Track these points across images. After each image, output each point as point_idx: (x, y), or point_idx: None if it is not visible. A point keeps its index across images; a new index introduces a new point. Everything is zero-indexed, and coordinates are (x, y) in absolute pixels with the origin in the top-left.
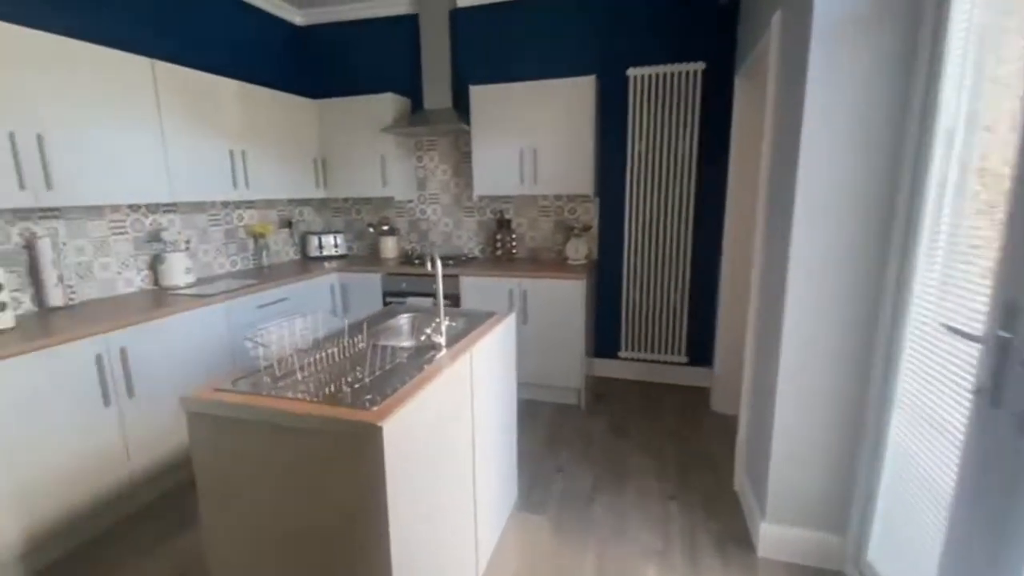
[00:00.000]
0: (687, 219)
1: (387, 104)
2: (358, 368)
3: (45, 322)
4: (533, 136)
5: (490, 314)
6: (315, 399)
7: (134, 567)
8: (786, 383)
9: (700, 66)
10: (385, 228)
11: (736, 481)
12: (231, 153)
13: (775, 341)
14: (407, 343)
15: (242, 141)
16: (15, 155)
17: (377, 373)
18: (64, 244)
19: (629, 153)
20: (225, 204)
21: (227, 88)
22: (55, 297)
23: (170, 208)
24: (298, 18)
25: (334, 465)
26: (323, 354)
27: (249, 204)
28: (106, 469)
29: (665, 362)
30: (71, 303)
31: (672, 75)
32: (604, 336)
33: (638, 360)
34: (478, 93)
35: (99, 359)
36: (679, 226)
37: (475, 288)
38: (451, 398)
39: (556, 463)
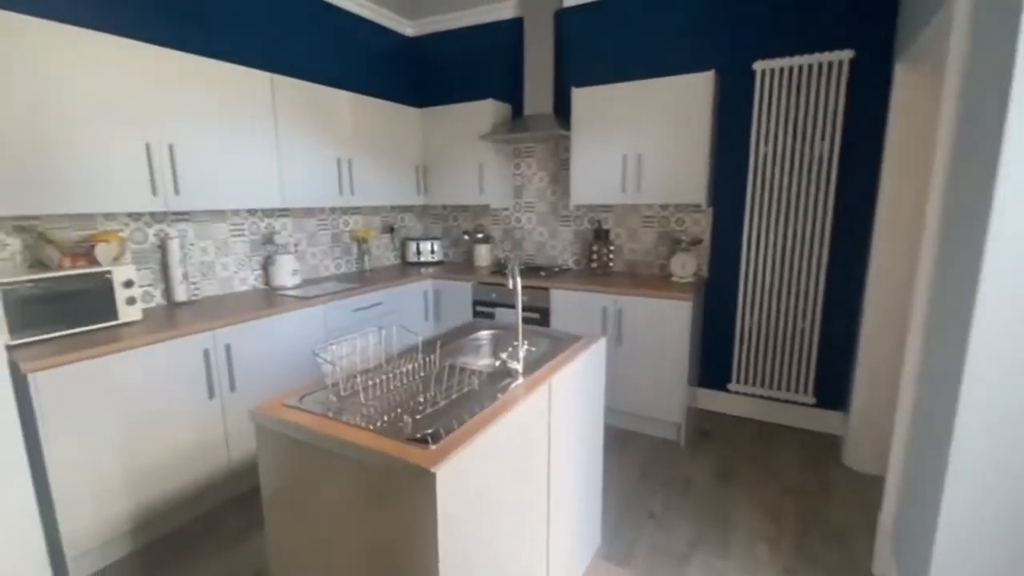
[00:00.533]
0: (822, 232)
1: (487, 111)
2: (426, 392)
3: (167, 316)
4: (639, 140)
5: (576, 337)
6: (373, 426)
7: (219, 556)
8: (964, 451)
9: (847, 55)
10: (480, 236)
11: (876, 565)
12: (338, 161)
13: (949, 390)
14: (485, 361)
15: (349, 149)
16: (150, 164)
17: (441, 403)
18: (192, 245)
19: (752, 157)
20: (333, 209)
21: (338, 99)
22: (180, 293)
23: (283, 213)
24: (409, 29)
25: (386, 500)
26: (392, 373)
27: (355, 210)
28: (208, 458)
29: (786, 400)
30: (194, 299)
31: (810, 67)
32: (712, 364)
33: (752, 395)
34: (580, 96)
35: (206, 354)
36: (812, 240)
37: (566, 302)
38: (524, 434)
39: (648, 507)
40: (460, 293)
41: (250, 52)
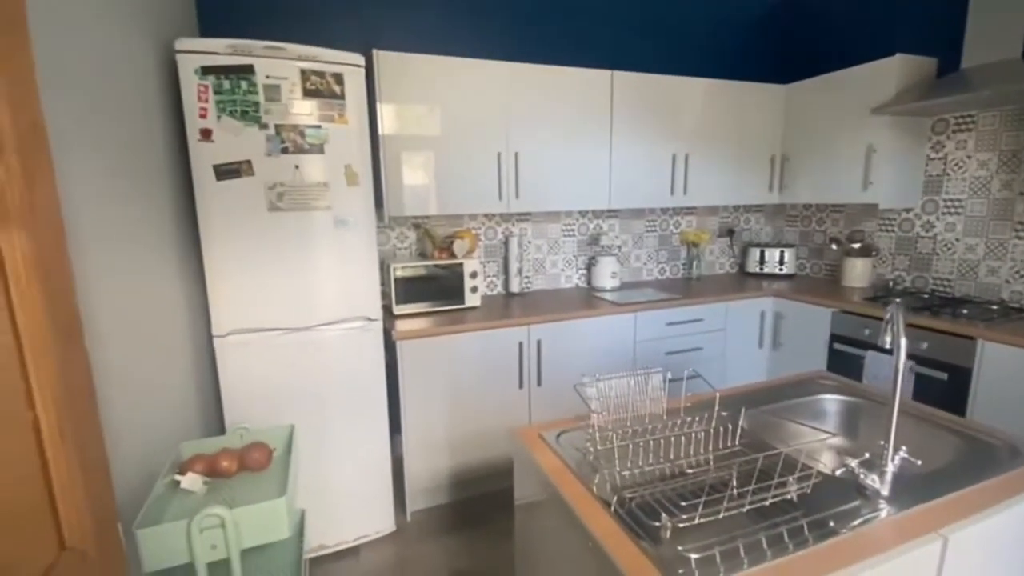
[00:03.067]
0: None
1: (889, 73)
2: (714, 481)
3: (499, 305)
4: None
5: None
6: (618, 510)
7: (501, 531)
8: None
9: None
10: (855, 246)
11: None
12: (673, 157)
13: None
14: (822, 456)
15: (687, 143)
16: (499, 171)
17: (724, 512)
18: (529, 243)
19: None
20: (664, 210)
21: (681, 87)
22: (514, 285)
23: (612, 214)
24: None
25: None
26: (670, 436)
27: (689, 210)
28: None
29: None
30: (525, 291)
31: None
32: None
33: None
34: None
35: (520, 347)
36: None
37: (1009, 367)
38: None
39: None
40: (813, 320)
41: (593, 53)
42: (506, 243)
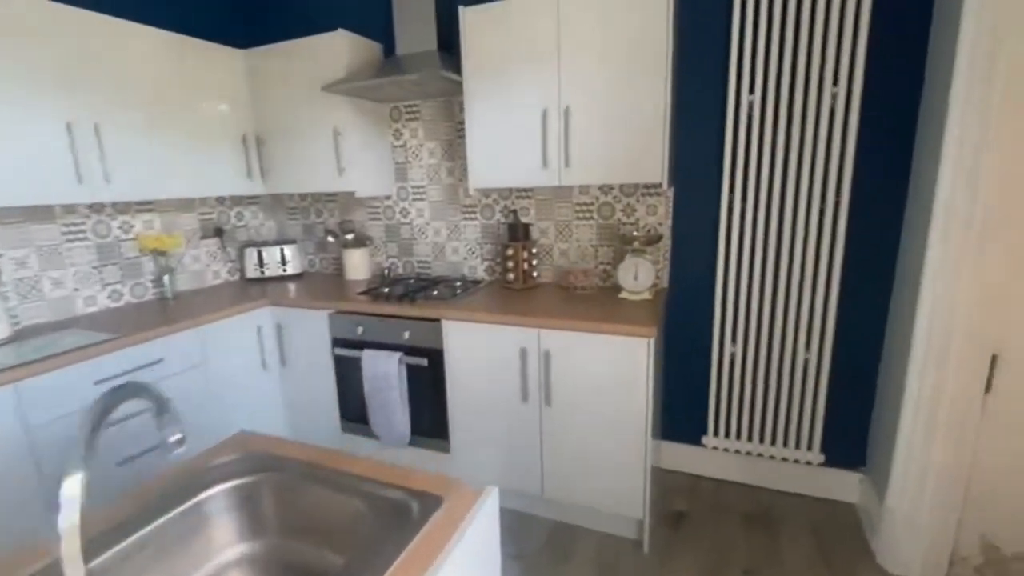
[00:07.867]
0: (834, 221)
1: (338, 48)
2: None
3: None
4: (564, 85)
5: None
6: None
7: None
8: None
9: None
10: (350, 236)
11: None
12: (68, 126)
13: None
14: None
15: (104, 110)
16: None
17: None
18: None
19: (730, 111)
20: (93, 207)
21: (81, 24)
22: None
23: None
24: None
25: None
26: None
27: (144, 207)
28: None
29: (785, 459)
30: None
31: None
32: (679, 411)
33: (736, 452)
34: (473, 19)
35: None
36: (820, 233)
37: (470, 341)
38: None
39: None
40: (314, 327)
41: None
42: None
